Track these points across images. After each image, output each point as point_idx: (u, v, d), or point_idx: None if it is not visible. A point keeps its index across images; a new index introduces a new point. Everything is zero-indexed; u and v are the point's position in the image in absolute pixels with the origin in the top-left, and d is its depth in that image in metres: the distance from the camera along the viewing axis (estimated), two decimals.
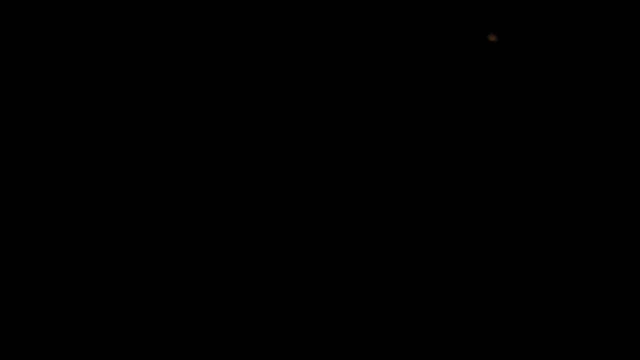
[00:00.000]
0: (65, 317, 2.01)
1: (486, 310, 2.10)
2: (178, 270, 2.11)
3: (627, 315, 2.08)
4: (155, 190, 2.17)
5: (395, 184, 2.25)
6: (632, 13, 2.26)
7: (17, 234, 2.09)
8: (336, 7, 2.23)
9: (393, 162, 2.25)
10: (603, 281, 2.13)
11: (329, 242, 2.17)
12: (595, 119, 2.27)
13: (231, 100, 2.25)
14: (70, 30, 2.23)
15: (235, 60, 2.27)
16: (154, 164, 2.19)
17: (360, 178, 2.24)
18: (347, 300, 2.10)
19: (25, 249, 2.08)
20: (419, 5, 2.17)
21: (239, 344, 2.02)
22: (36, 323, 1.99)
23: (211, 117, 2.24)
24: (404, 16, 2.22)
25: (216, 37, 2.28)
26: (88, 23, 2.24)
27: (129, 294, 2.06)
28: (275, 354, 2.02)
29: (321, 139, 2.25)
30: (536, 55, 2.21)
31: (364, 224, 2.19)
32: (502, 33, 2.05)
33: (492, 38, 1.87)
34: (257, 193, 2.20)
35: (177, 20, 2.27)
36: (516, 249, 2.19)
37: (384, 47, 2.28)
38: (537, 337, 2.07)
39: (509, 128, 2.27)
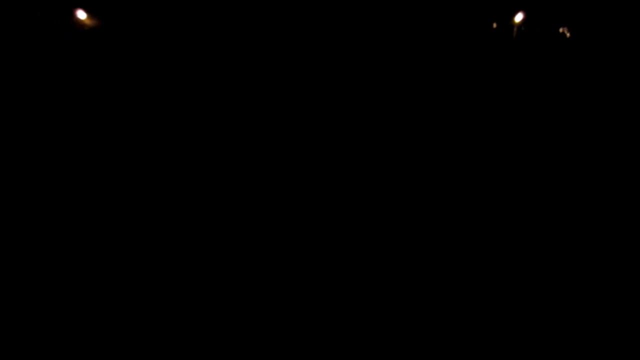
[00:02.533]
0: (65, 316, 2.01)
1: (485, 309, 2.11)
2: (177, 269, 2.11)
3: (627, 315, 2.08)
4: (155, 190, 2.18)
5: (397, 183, 2.25)
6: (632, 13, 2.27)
7: (17, 234, 2.09)
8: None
9: (402, 160, 2.26)
10: (603, 280, 2.13)
11: (329, 241, 2.17)
12: (596, 118, 2.28)
13: (231, 101, 2.26)
14: (71, 31, 2.24)
15: (235, 61, 2.28)
16: (154, 164, 2.20)
17: (361, 178, 2.24)
18: (347, 300, 2.11)
19: (25, 249, 2.08)
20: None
21: (239, 344, 2.03)
22: (36, 322, 2.00)
23: (211, 117, 2.24)
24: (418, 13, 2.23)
25: (216, 37, 2.28)
26: (88, 23, 2.25)
27: (129, 294, 2.07)
28: (275, 354, 2.02)
29: (330, 138, 2.26)
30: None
31: (363, 224, 2.20)
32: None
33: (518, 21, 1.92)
34: (257, 193, 2.20)
35: (178, 20, 2.27)
36: (516, 248, 2.19)
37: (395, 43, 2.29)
38: (536, 336, 2.07)
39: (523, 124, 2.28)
